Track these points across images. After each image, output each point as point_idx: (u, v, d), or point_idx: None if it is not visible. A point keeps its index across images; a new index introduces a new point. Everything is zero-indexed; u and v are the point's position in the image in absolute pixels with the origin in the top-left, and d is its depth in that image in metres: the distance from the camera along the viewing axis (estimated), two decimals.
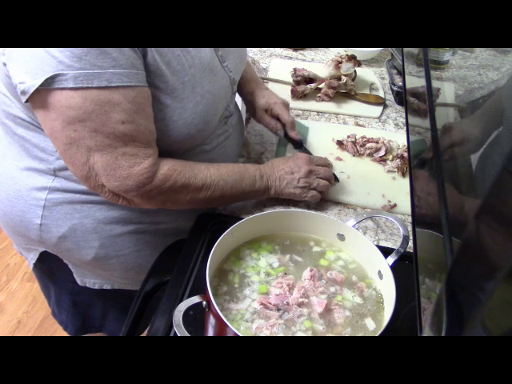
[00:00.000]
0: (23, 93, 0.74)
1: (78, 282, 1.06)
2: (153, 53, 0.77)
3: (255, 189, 0.94)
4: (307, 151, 1.14)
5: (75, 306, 1.16)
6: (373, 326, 0.69)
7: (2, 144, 0.95)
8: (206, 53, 0.88)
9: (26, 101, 0.75)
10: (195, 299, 0.65)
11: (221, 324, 0.62)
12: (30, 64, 0.72)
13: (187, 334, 0.61)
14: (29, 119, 0.85)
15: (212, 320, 0.64)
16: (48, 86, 0.72)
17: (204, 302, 0.64)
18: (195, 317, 0.71)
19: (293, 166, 0.97)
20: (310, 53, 1.56)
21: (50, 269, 1.09)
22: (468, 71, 0.67)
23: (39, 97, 0.74)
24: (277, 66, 1.48)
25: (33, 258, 1.05)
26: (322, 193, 0.99)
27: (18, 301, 1.86)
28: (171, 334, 0.74)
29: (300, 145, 1.14)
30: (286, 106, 1.15)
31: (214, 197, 0.90)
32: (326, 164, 1.03)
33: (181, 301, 0.76)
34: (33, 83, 0.72)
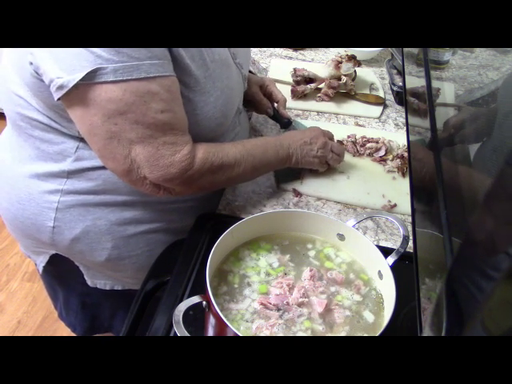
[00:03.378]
0: (60, 87, 0.73)
1: (89, 283, 1.06)
2: (178, 48, 0.78)
3: (279, 158, 0.97)
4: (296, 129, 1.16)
5: (84, 307, 1.16)
6: (372, 318, 0.69)
7: (13, 147, 0.95)
8: (224, 49, 0.90)
9: (59, 99, 0.75)
10: (195, 299, 0.65)
11: (221, 324, 0.62)
12: (66, 60, 0.72)
13: (187, 334, 0.61)
14: (46, 121, 0.86)
15: (212, 320, 0.64)
16: (89, 80, 0.72)
17: (204, 302, 0.64)
18: (195, 317, 0.71)
19: (311, 136, 1.01)
20: (310, 53, 1.56)
21: (60, 271, 1.09)
22: (468, 71, 0.67)
23: (77, 93, 0.74)
24: (277, 66, 1.48)
25: (42, 260, 1.04)
26: (331, 166, 1.06)
27: (18, 301, 1.86)
28: (171, 334, 0.74)
29: (288, 124, 1.16)
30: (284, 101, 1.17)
31: (246, 172, 0.93)
32: (332, 137, 1.09)
33: (181, 301, 0.76)
34: (72, 77, 0.72)
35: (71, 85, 0.72)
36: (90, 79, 0.72)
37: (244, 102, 1.11)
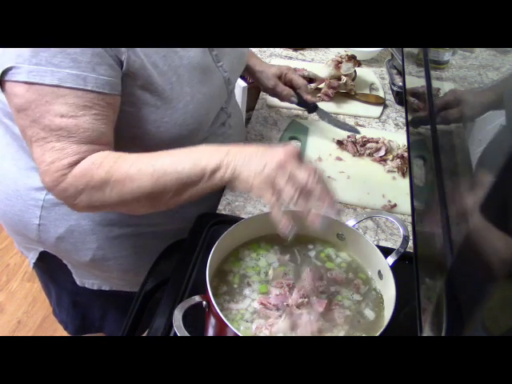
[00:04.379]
0: None
1: (77, 282, 1.06)
2: (136, 55, 0.76)
3: (199, 168, 0.71)
4: (325, 112, 1.18)
5: (75, 306, 1.16)
6: (372, 316, 0.69)
7: (1, 144, 0.95)
8: (197, 52, 0.86)
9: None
10: (195, 299, 0.65)
11: (221, 324, 0.62)
12: None
13: (187, 334, 0.61)
14: None
15: (212, 320, 0.64)
16: (4, 77, 0.72)
17: (204, 302, 0.64)
18: (195, 317, 0.71)
19: (270, 149, 0.71)
20: (310, 53, 1.56)
21: (50, 268, 1.09)
22: (468, 71, 0.67)
23: (2, 87, 0.75)
24: None
25: (33, 257, 1.05)
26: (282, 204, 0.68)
27: (18, 301, 1.86)
28: (171, 334, 0.74)
29: (315, 108, 1.17)
30: (296, 72, 1.18)
31: (145, 190, 0.72)
32: (315, 172, 0.67)
33: (181, 301, 0.76)
34: None
35: None
36: (5, 76, 0.72)
37: (269, 94, 1.16)
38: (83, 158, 0.74)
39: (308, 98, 1.15)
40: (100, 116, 0.75)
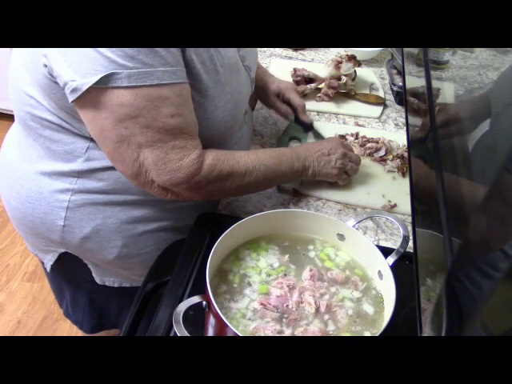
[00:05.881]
0: (74, 90, 0.74)
1: (97, 280, 1.06)
2: (190, 52, 0.79)
3: (293, 170, 0.95)
4: (318, 133, 1.18)
5: (92, 305, 1.17)
6: (372, 311, 0.70)
7: (22, 147, 0.95)
8: (233, 52, 0.90)
9: (73, 101, 0.76)
10: (195, 299, 0.65)
11: (221, 324, 0.62)
12: (80, 64, 0.72)
13: (187, 334, 0.61)
14: (57, 121, 0.86)
15: (212, 320, 0.64)
16: (102, 84, 0.72)
17: (204, 302, 0.64)
18: (195, 317, 0.71)
19: (329, 147, 1.00)
20: (309, 53, 1.56)
21: (68, 269, 1.09)
22: (468, 71, 0.67)
23: (89, 97, 0.74)
24: (277, 66, 1.48)
25: (51, 259, 1.05)
26: (350, 176, 1.04)
27: (17, 301, 1.86)
28: (171, 334, 0.74)
29: (310, 127, 1.18)
30: (296, 90, 1.21)
31: (257, 182, 0.92)
32: (352, 149, 1.07)
33: (181, 301, 0.76)
34: (86, 81, 0.72)
35: (85, 88, 0.73)
36: (103, 83, 0.72)
37: (269, 107, 1.20)
38: (201, 152, 0.84)
39: (304, 118, 1.17)
40: (192, 108, 0.82)
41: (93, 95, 0.74)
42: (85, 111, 0.78)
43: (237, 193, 0.97)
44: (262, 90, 1.19)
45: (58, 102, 0.82)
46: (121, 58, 0.71)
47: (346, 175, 1.02)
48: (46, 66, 0.77)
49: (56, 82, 0.78)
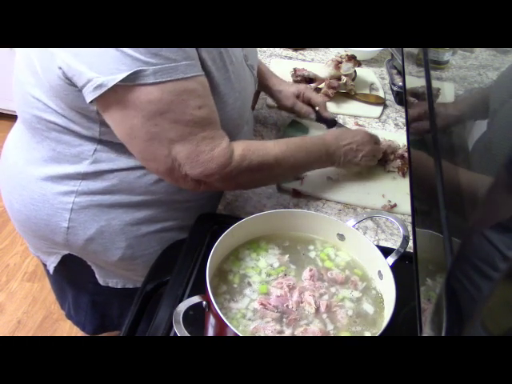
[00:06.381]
0: (99, 87, 0.73)
1: (101, 282, 1.06)
2: (202, 50, 0.80)
3: (321, 161, 0.98)
4: (342, 127, 1.21)
5: (94, 306, 1.17)
6: (372, 311, 0.70)
7: (26, 148, 0.95)
8: (239, 51, 0.91)
9: (92, 101, 0.75)
10: (195, 299, 0.65)
11: (221, 324, 0.62)
12: (102, 64, 0.72)
13: (187, 334, 0.61)
14: (64, 123, 0.86)
15: (212, 320, 0.64)
16: (130, 82, 0.72)
17: (204, 302, 0.64)
18: (195, 317, 0.71)
19: (359, 143, 1.00)
20: (309, 53, 1.56)
21: (71, 271, 1.09)
22: (468, 71, 0.67)
23: (114, 95, 0.74)
24: (277, 65, 1.48)
25: (54, 261, 1.05)
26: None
27: (17, 301, 1.86)
28: (171, 334, 0.74)
29: (334, 124, 1.19)
30: (312, 90, 1.23)
31: (285, 172, 0.94)
32: (380, 142, 1.08)
33: (181, 301, 0.76)
34: (112, 78, 0.72)
35: (111, 84, 0.72)
36: (130, 81, 0.72)
37: (288, 112, 1.22)
38: (229, 141, 0.85)
39: (326, 114, 1.19)
40: (212, 100, 0.83)
41: (119, 94, 0.74)
42: (110, 112, 0.78)
43: (267, 182, 0.99)
44: (280, 93, 1.19)
45: (69, 103, 0.82)
46: (143, 55, 0.71)
47: (373, 162, 1.05)
48: (60, 68, 0.76)
49: (71, 84, 0.77)
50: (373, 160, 1.05)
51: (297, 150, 0.93)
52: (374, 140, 1.05)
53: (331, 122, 1.20)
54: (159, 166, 0.82)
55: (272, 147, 0.90)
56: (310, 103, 1.19)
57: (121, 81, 0.71)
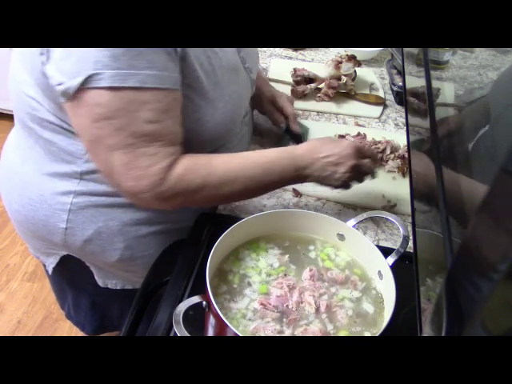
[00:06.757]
0: (63, 94, 0.75)
1: (100, 283, 1.06)
2: (190, 56, 0.79)
3: (289, 178, 0.88)
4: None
5: (94, 307, 1.16)
6: (372, 311, 0.70)
7: (23, 148, 0.95)
8: (232, 54, 0.90)
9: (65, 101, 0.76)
10: (195, 299, 0.65)
11: (221, 324, 0.62)
12: (66, 65, 0.73)
13: (187, 334, 0.61)
14: (57, 122, 0.86)
15: (212, 320, 0.64)
16: (86, 85, 0.72)
17: (204, 302, 0.64)
18: (195, 317, 0.71)
19: (340, 155, 0.87)
20: (309, 53, 1.56)
21: (70, 272, 1.09)
22: (468, 71, 0.67)
23: (74, 95, 0.75)
24: (277, 65, 1.48)
25: (52, 262, 1.04)
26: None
27: (17, 301, 1.86)
28: (171, 334, 0.74)
29: (299, 139, 1.15)
30: (291, 100, 1.20)
31: (237, 192, 0.85)
32: (373, 155, 0.95)
33: (181, 301, 0.76)
34: (72, 83, 0.73)
35: (71, 91, 0.73)
36: (86, 84, 0.72)
37: (262, 114, 1.17)
38: (175, 160, 0.80)
39: (294, 128, 1.15)
40: (176, 116, 0.79)
41: (76, 93, 0.74)
42: (68, 107, 0.79)
43: (213, 203, 0.94)
44: (257, 96, 1.17)
45: (55, 102, 0.82)
46: (106, 57, 0.70)
47: (349, 186, 0.92)
48: (43, 63, 0.77)
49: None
50: (358, 177, 0.91)
51: (254, 168, 0.84)
52: (360, 153, 0.90)
53: (297, 138, 1.15)
54: (99, 167, 0.83)
55: (222, 165, 0.83)
56: (282, 112, 1.15)
57: (80, 84, 0.72)
